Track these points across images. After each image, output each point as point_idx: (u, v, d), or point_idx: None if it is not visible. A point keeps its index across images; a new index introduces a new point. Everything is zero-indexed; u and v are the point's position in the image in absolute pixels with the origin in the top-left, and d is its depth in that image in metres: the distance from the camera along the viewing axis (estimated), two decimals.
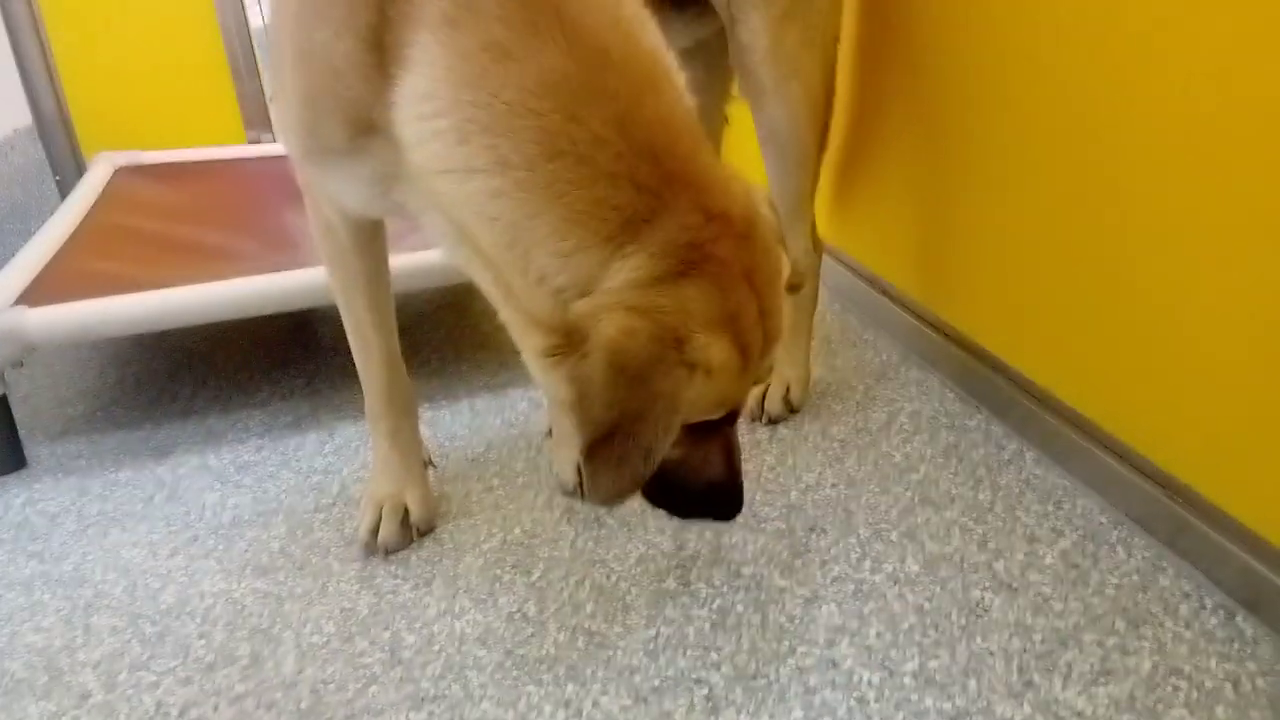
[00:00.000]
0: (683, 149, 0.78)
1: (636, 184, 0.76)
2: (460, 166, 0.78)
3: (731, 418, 0.91)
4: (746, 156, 1.49)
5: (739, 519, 1.01)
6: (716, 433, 0.90)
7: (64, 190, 2.32)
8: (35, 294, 1.41)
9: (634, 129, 0.76)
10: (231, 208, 1.93)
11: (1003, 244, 1.34)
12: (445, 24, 0.77)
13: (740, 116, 1.56)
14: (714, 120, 1.54)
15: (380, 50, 0.80)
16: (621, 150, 0.76)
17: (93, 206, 1.84)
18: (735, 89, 1.51)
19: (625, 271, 0.76)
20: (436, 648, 1.03)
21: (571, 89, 0.75)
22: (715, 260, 0.77)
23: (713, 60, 1.47)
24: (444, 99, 0.77)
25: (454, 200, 0.81)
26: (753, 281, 0.80)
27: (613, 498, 0.80)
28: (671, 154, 0.77)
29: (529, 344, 0.82)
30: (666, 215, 0.77)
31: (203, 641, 1.06)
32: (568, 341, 0.76)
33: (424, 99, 0.79)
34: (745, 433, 1.41)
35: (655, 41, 0.83)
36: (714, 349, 0.78)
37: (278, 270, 1.46)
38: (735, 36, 1.30)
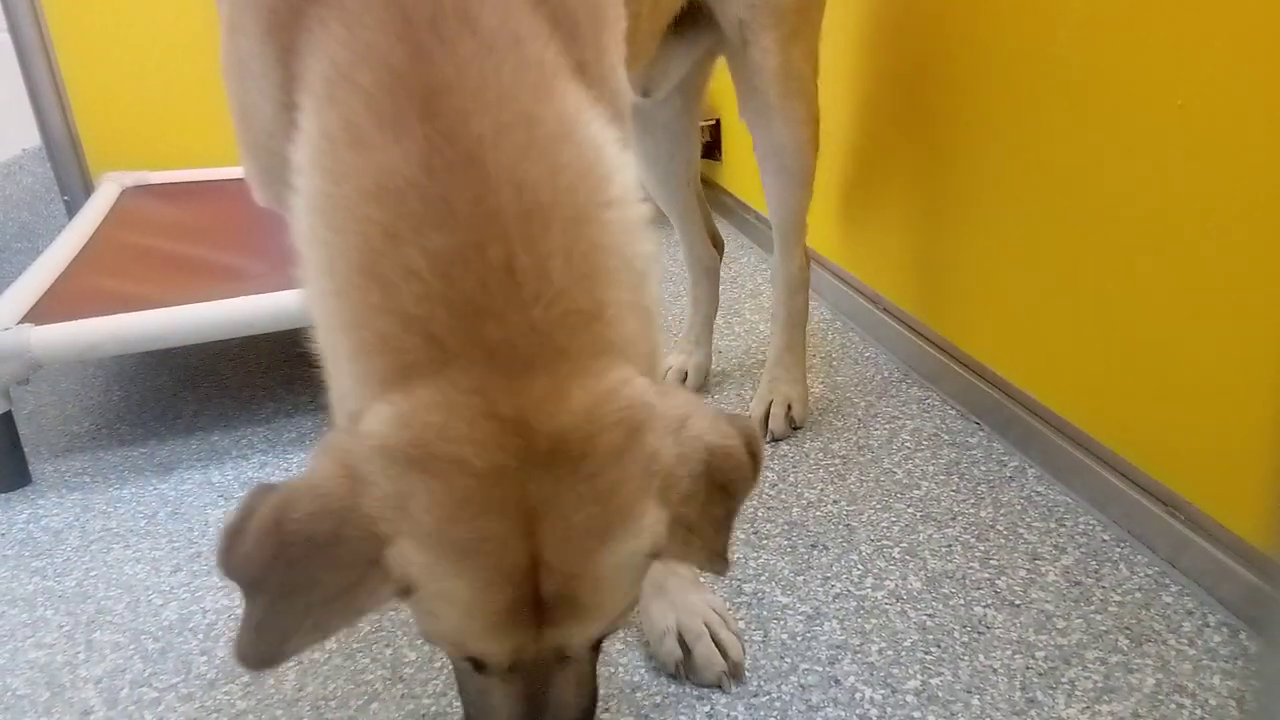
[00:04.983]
0: (540, 317, 0.60)
1: (429, 334, 0.60)
2: (304, 252, 0.68)
3: (513, 668, 0.67)
4: (746, 177, 1.50)
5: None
6: (501, 676, 0.68)
7: (72, 211, 2.34)
8: (41, 312, 1.42)
9: (464, 271, 0.59)
10: (236, 227, 1.94)
11: (1004, 261, 1.35)
12: (322, 92, 0.66)
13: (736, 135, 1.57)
14: (690, 146, 1.54)
15: (290, 111, 0.70)
16: (431, 292, 0.59)
17: (99, 226, 1.85)
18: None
19: (370, 423, 0.60)
20: (438, 664, 1.03)
21: (407, 201, 0.60)
22: (462, 468, 0.58)
23: (690, 88, 1.48)
24: (305, 175, 0.67)
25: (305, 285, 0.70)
26: (537, 524, 0.59)
27: (244, 660, 0.62)
28: (502, 317, 0.59)
29: None
30: (434, 384, 0.59)
31: (204, 658, 1.06)
32: None
33: (297, 172, 0.68)
34: None
35: (597, 166, 0.65)
36: (420, 569, 0.60)
37: (281, 289, 1.47)
38: (748, 58, 1.31)
